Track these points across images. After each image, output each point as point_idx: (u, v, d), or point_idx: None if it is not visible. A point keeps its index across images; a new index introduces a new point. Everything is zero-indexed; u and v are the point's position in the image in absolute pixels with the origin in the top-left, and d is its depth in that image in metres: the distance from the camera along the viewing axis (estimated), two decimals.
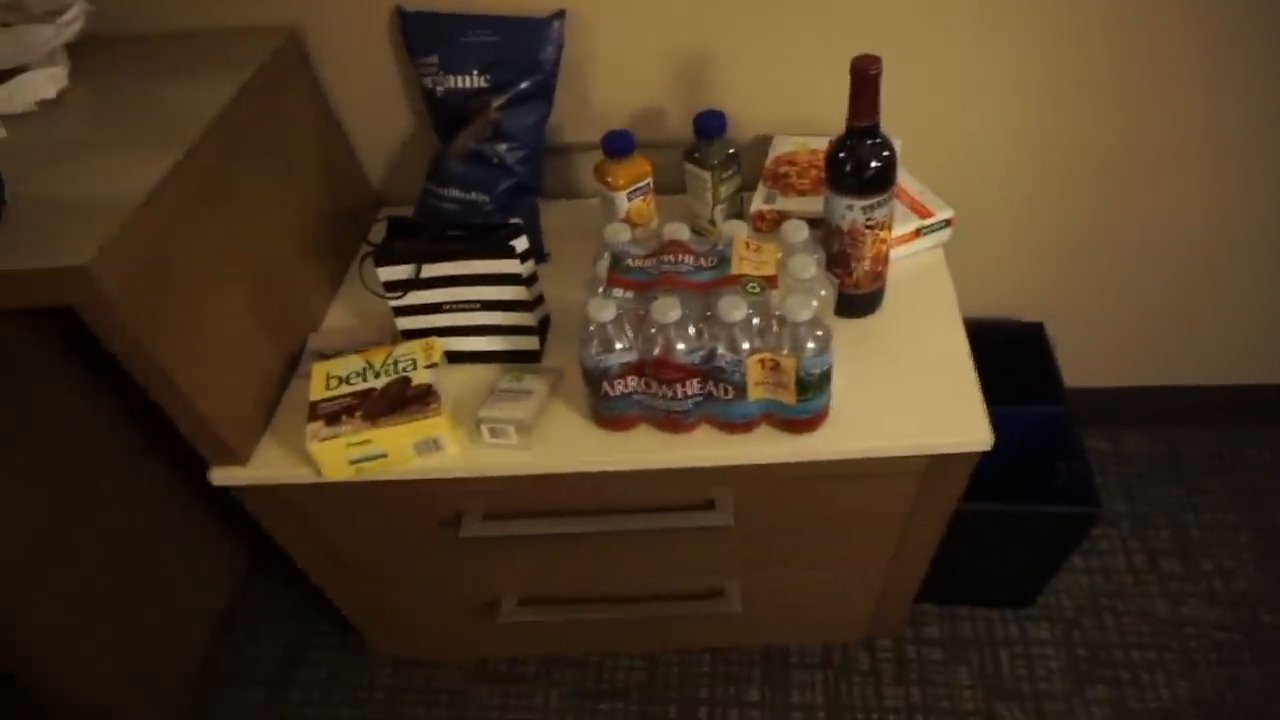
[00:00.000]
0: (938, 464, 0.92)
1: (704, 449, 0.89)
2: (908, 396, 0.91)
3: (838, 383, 0.87)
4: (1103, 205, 1.23)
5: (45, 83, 0.93)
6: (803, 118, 1.13)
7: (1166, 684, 1.27)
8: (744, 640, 1.35)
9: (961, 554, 1.14)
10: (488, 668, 1.38)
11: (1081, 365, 1.45)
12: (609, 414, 0.90)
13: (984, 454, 0.89)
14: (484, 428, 0.91)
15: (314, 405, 0.91)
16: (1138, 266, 1.32)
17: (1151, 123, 1.14)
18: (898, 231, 1.00)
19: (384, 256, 0.94)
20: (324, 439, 0.88)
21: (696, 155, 1.03)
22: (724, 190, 1.05)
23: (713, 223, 1.07)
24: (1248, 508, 1.46)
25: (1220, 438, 1.56)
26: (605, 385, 0.86)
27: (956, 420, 0.89)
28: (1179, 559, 1.41)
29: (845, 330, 0.96)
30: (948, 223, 1.05)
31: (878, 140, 0.85)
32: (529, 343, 1.00)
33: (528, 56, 1.04)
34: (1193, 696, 1.26)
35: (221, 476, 0.94)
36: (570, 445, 0.91)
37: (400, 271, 0.95)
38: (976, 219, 1.22)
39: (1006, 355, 1.26)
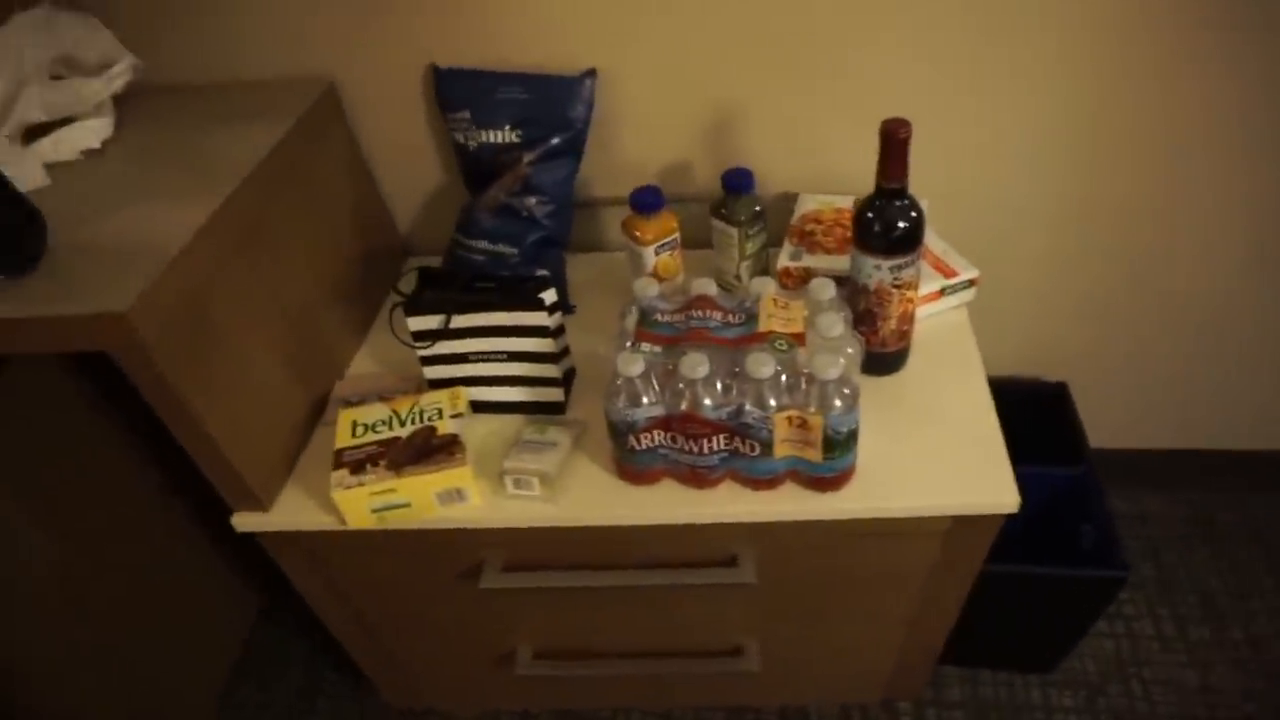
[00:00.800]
0: (962, 525, 0.91)
1: (728, 505, 0.89)
2: (933, 456, 0.91)
3: (863, 441, 0.87)
4: (1127, 266, 1.24)
5: (91, 133, 0.96)
6: (828, 176, 1.15)
7: None
8: (761, 699, 1.32)
9: (985, 615, 1.12)
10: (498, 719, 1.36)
11: (1104, 426, 1.43)
12: (634, 467, 0.90)
13: (1009, 515, 0.89)
14: (508, 479, 0.91)
15: (339, 453, 0.92)
16: (1162, 328, 1.32)
17: (1177, 186, 1.14)
18: (922, 291, 1.00)
19: (414, 306, 0.95)
20: (348, 487, 0.88)
21: (724, 211, 1.04)
22: (750, 246, 1.06)
23: (739, 278, 1.08)
24: (1276, 573, 1.43)
25: (1245, 503, 1.54)
26: (631, 439, 0.86)
27: (982, 481, 0.88)
28: (1207, 625, 1.38)
29: (871, 389, 0.95)
30: (971, 282, 1.06)
31: (906, 201, 0.86)
32: (554, 394, 1.00)
33: (558, 113, 1.06)
34: None
35: (244, 523, 0.94)
36: (594, 498, 0.91)
37: (429, 321, 0.96)
38: (1000, 278, 1.23)
39: (1029, 414, 1.25)
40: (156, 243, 0.81)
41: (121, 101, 1.00)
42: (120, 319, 0.74)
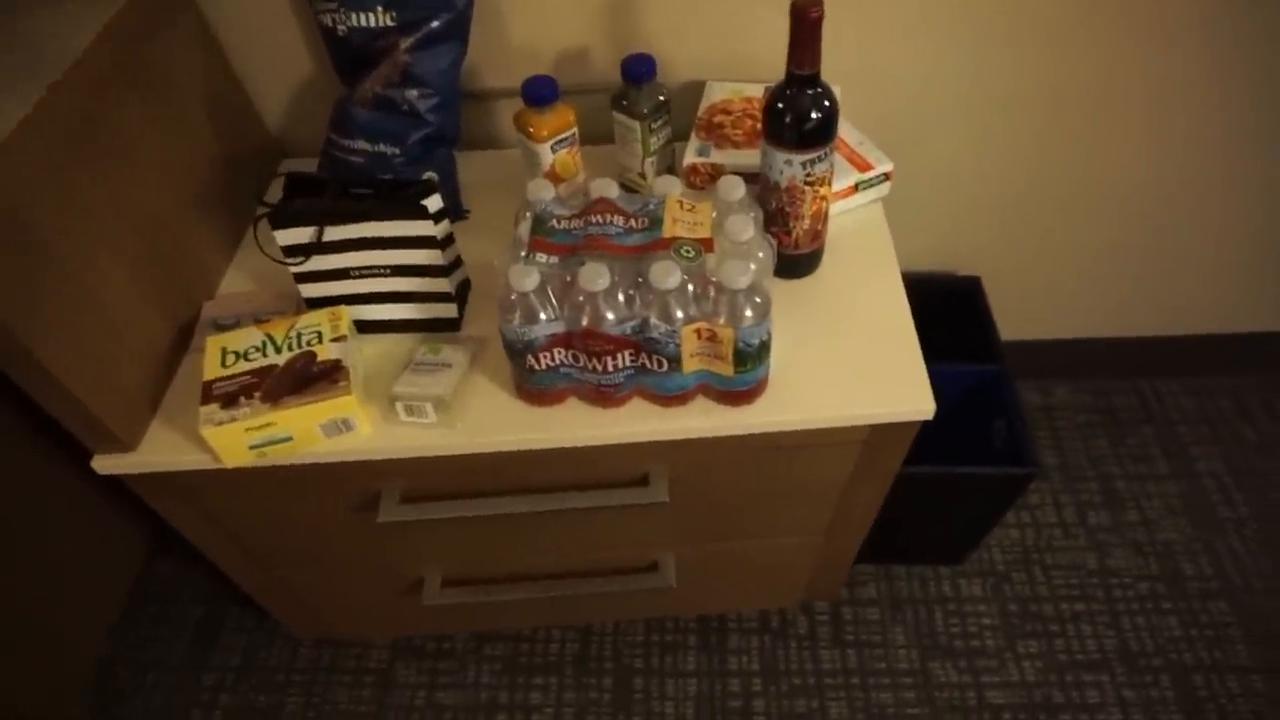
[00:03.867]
0: (878, 433, 0.88)
1: (637, 424, 0.83)
2: (848, 364, 0.87)
3: (775, 349, 0.83)
4: (1041, 156, 1.21)
5: None
6: (737, 61, 1.07)
7: (1094, 635, 1.29)
8: (680, 610, 1.32)
9: (899, 515, 1.12)
10: (414, 645, 1.33)
11: (1014, 317, 1.44)
12: (535, 388, 0.84)
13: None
14: (399, 405, 0.84)
15: (208, 385, 0.82)
16: (1073, 219, 1.30)
17: (1095, 72, 1.10)
18: (835, 186, 0.94)
19: (281, 218, 0.85)
20: (220, 423, 0.80)
21: (625, 103, 0.96)
22: (655, 141, 0.98)
23: (643, 176, 1.00)
24: (1172, 458, 1.48)
25: (1148, 389, 1.58)
26: (530, 358, 0.79)
27: (899, 388, 0.85)
28: (1106, 511, 1.43)
29: (782, 292, 0.91)
30: (886, 176, 1.00)
31: (819, 90, 0.79)
32: (446, 310, 0.92)
33: None
34: (1118, 646, 1.28)
35: (106, 465, 0.85)
36: (493, 422, 0.85)
37: (301, 234, 0.85)
38: (913, 169, 1.19)
39: (942, 309, 1.24)
40: None
41: None
42: None
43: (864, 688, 1.25)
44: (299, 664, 1.32)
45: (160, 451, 0.86)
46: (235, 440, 0.82)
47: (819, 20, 0.74)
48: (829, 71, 0.80)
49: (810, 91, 0.79)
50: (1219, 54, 1.08)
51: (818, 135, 0.81)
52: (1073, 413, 1.56)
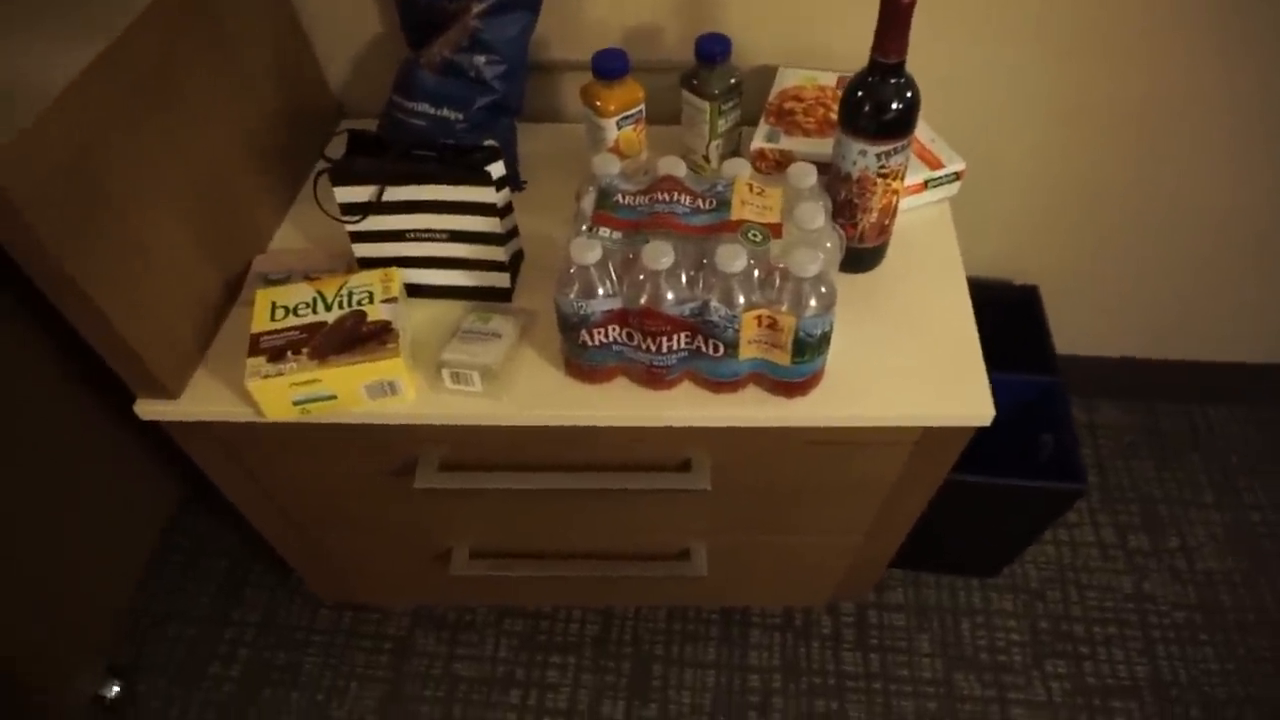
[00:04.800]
0: (931, 436, 0.86)
1: (685, 408, 0.82)
2: (906, 362, 0.85)
3: (833, 344, 0.80)
4: (1108, 171, 1.17)
5: None
6: (811, 49, 1.04)
7: (1125, 660, 1.27)
8: (704, 600, 1.30)
9: (938, 522, 1.10)
10: (435, 615, 1.32)
11: (1066, 331, 1.41)
12: (584, 364, 0.82)
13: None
14: (445, 372, 0.83)
15: (256, 338, 0.82)
16: (1136, 237, 1.27)
17: (1174, 87, 1.07)
18: (906, 182, 0.92)
19: (342, 175, 0.84)
20: (266, 377, 0.79)
21: (695, 83, 0.93)
22: (723, 124, 0.95)
23: (707, 158, 0.98)
24: (1217, 487, 1.45)
25: (1195, 415, 1.54)
26: (583, 333, 0.78)
27: (957, 391, 0.83)
28: (1146, 535, 1.39)
29: (844, 286, 0.88)
30: (957, 175, 0.98)
31: (902, 80, 0.76)
32: (499, 279, 0.91)
33: None
34: (1149, 674, 1.25)
35: (148, 411, 0.85)
36: (539, 395, 0.83)
37: (360, 193, 0.84)
38: (980, 175, 1.16)
39: (997, 317, 1.21)
40: (32, 86, 0.67)
41: None
42: None
43: (885, 693, 1.23)
44: (319, 625, 1.32)
45: (203, 401, 0.85)
46: (280, 395, 0.81)
47: (911, 6, 0.71)
48: (910, 65, 0.78)
49: (893, 81, 0.76)
50: None
51: (896, 126, 0.78)
52: (1118, 432, 1.52)
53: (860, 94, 0.78)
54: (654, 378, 0.81)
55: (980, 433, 0.85)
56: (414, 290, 0.91)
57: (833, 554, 1.10)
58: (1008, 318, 1.28)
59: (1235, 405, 1.54)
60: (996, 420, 0.82)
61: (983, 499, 1.13)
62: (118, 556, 1.30)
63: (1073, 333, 1.43)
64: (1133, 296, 1.37)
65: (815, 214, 0.75)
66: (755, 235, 0.74)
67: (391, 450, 0.92)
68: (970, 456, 1.03)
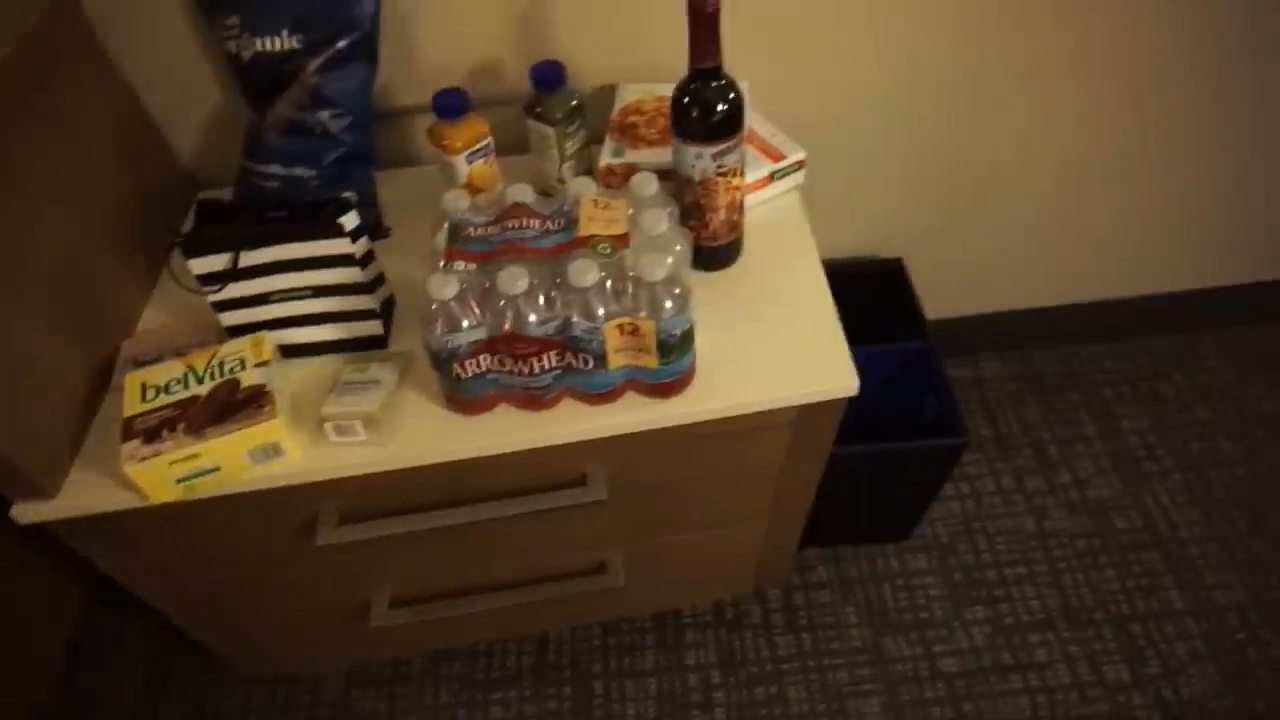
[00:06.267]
0: (807, 413, 0.90)
1: (568, 424, 0.84)
2: (772, 348, 0.89)
3: (701, 339, 0.84)
4: (953, 134, 1.24)
5: None
6: (648, 64, 1.08)
7: (1037, 595, 1.33)
8: (634, 610, 1.32)
9: (839, 496, 1.15)
10: (369, 672, 1.31)
11: (940, 297, 1.48)
12: (464, 397, 0.84)
13: (851, 398, 0.88)
14: (328, 426, 0.83)
15: (128, 422, 0.81)
16: (989, 194, 1.34)
17: (999, 47, 1.14)
18: (750, 178, 0.96)
19: (194, 246, 0.84)
20: (143, 459, 0.78)
21: (538, 110, 0.96)
22: (570, 145, 0.99)
23: (562, 181, 1.01)
24: (1097, 420, 1.54)
25: (1069, 355, 1.64)
26: (456, 367, 0.79)
27: (821, 368, 0.87)
28: (1041, 475, 1.47)
29: (705, 284, 0.93)
30: (800, 164, 1.03)
31: (722, 82, 0.81)
32: (372, 328, 0.91)
33: (343, 11, 0.93)
34: (1060, 604, 1.32)
35: (25, 514, 0.82)
36: (425, 435, 0.85)
37: (216, 262, 0.84)
38: (830, 158, 1.22)
39: (869, 293, 1.27)
40: None
41: None
42: None
43: (820, 669, 1.27)
44: (253, 705, 1.28)
45: (83, 495, 0.83)
46: (160, 475, 0.80)
47: (715, 13, 0.75)
48: (738, 70, 0.82)
49: (714, 84, 0.81)
50: (1120, 27, 1.13)
51: (725, 127, 0.83)
52: (1003, 383, 1.61)
53: (686, 100, 0.82)
54: (533, 400, 0.84)
55: (870, 405, 0.89)
56: (289, 351, 0.91)
57: (741, 541, 1.14)
58: (879, 293, 1.35)
59: (1098, 341, 1.65)
60: (882, 392, 0.86)
61: (876, 467, 1.18)
62: (28, 668, 1.25)
63: (946, 297, 1.50)
64: (996, 253, 1.45)
65: (659, 219, 0.78)
66: (604, 248, 0.77)
67: (287, 512, 0.91)
68: (863, 431, 1.09)
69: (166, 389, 0.83)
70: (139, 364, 0.91)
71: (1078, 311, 1.59)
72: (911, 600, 1.34)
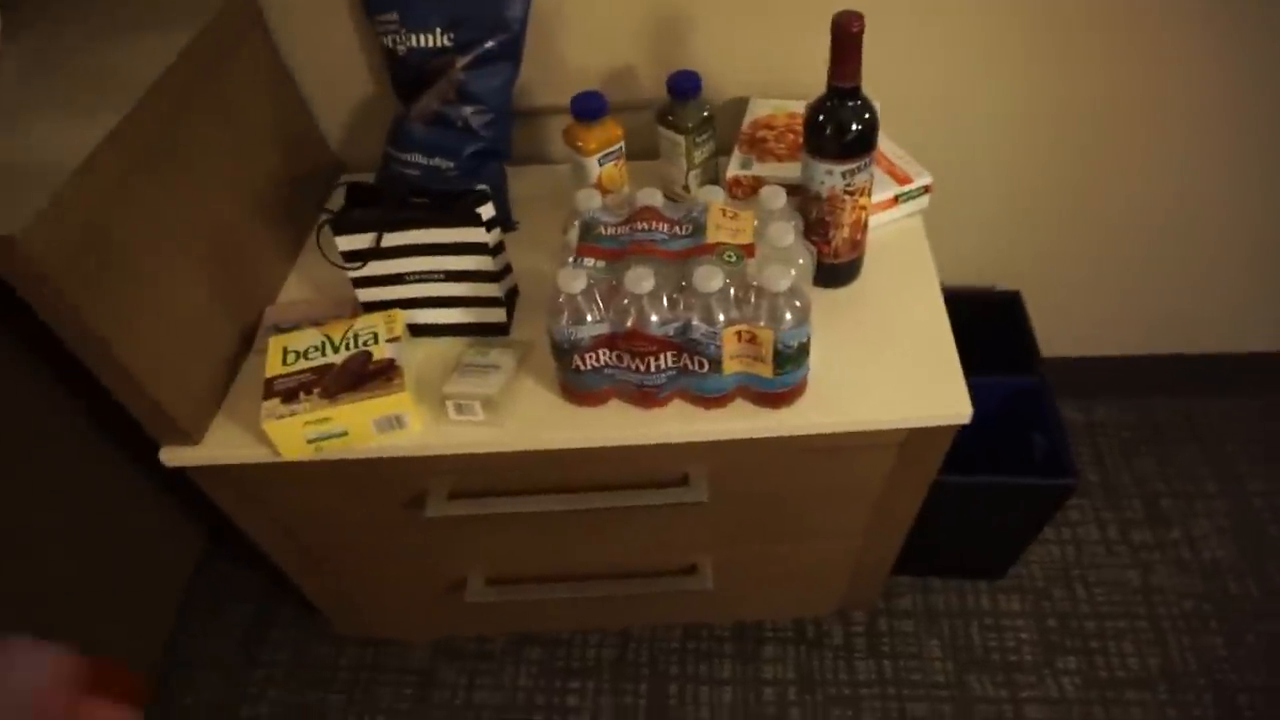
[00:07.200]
0: (916, 437, 0.90)
1: (678, 424, 0.86)
2: (886, 368, 0.89)
3: (815, 354, 0.85)
4: (1083, 172, 1.22)
5: None
6: (780, 80, 1.10)
7: (1135, 653, 1.28)
8: (717, 616, 1.33)
9: (937, 525, 1.13)
10: (455, 645, 1.35)
11: (1056, 334, 1.44)
12: (579, 388, 0.87)
13: (962, 426, 0.88)
14: (449, 404, 0.88)
15: (269, 382, 0.87)
16: (1116, 235, 1.30)
17: (1137, 89, 1.11)
18: (875, 199, 0.97)
19: (342, 225, 0.90)
20: (280, 417, 0.84)
21: (670, 118, 0.99)
22: (699, 155, 1.01)
23: (687, 188, 1.04)
24: (1218, 478, 1.47)
25: (1192, 407, 1.56)
26: (575, 359, 0.82)
27: (935, 393, 0.87)
28: (1149, 529, 1.41)
29: (823, 300, 0.93)
30: (926, 189, 1.03)
31: (859, 102, 0.82)
32: (496, 315, 0.96)
33: (494, 13, 0.99)
34: (1161, 664, 1.26)
35: (172, 457, 0.90)
36: (539, 421, 0.88)
37: (360, 241, 0.90)
38: (955, 185, 1.21)
39: (983, 323, 1.25)
40: (51, 161, 0.74)
41: (9, 8, 0.91)
42: (11, 243, 0.67)
43: (899, 699, 1.25)
44: (344, 662, 1.35)
45: (223, 445, 0.90)
46: (294, 434, 0.86)
47: (860, 33, 0.76)
48: (871, 89, 0.83)
49: (851, 104, 0.82)
50: (1265, 66, 1.09)
51: (857, 146, 0.83)
52: (1116, 430, 1.55)
53: (821, 118, 0.83)
54: (645, 397, 0.86)
55: (974, 437, 0.88)
56: (417, 330, 0.96)
57: (833, 559, 1.14)
58: (993, 325, 1.32)
59: (1227, 396, 1.57)
60: (989, 424, 0.85)
61: (977, 500, 1.16)
62: (147, 606, 1.34)
63: (1063, 335, 1.46)
64: (1117, 294, 1.40)
65: (785, 233, 0.79)
66: (730, 256, 0.79)
67: (402, 482, 0.96)
68: (969, 463, 1.07)
69: (305, 355, 0.89)
70: (280, 330, 0.97)
71: (1204, 363, 1.51)
72: (1000, 641, 1.30)
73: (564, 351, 0.82)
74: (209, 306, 0.93)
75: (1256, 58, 1.08)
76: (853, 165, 0.84)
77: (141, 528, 1.32)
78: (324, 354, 0.89)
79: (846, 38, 0.77)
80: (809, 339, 0.80)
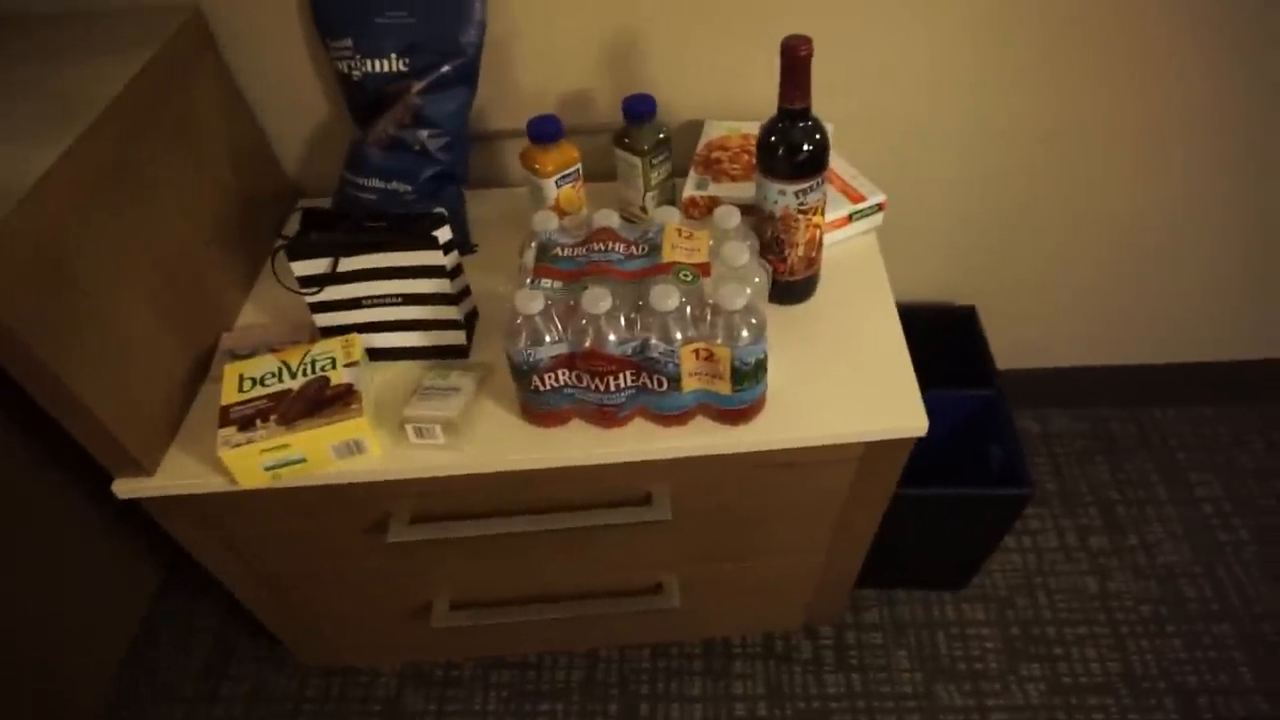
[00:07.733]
0: (874, 450, 0.91)
1: (638, 443, 0.86)
2: (843, 383, 0.90)
3: (773, 371, 0.86)
4: (1033, 189, 1.25)
5: None
6: (735, 102, 1.11)
7: (1098, 658, 1.30)
8: (685, 634, 1.33)
9: (899, 538, 1.14)
10: (422, 672, 1.34)
11: (1012, 347, 1.47)
12: (540, 409, 0.87)
13: (919, 439, 0.89)
14: (409, 427, 0.87)
15: (225, 409, 0.86)
16: (1066, 250, 1.34)
17: (1084, 109, 1.15)
18: (830, 217, 0.98)
19: (298, 250, 0.89)
20: (237, 445, 0.83)
21: (627, 140, 1.00)
22: (655, 176, 1.02)
23: (644, 209, 1.05)
24: (1169, 483, 1.50)
25: (1145, 417, 1.60)
26: (535, 380, 0.83)
27: (892, 406, 0.88)
28: (1106, 535, 1.44)
29: (779, 318, 0.94)
30: (879, 207, 1.05)
31: (809, 123, 0.83)
32: (455, 338, 0.96)
33: (448, 38, 0.99)
34: (1122, 669, 1.28)
35: (125, 489, 0.88)
36: (500, 443, 0.88)
37: (316, 265, 0.90)
38: (910, 203, 1.23)
39: (940, 338, 1.27)
40: None
41: None
42: None
43: (869, 710, 1.26)
44: (308, 693, 1.33)
45: (178, 475, 0.89)
46: (251, 462, 0.85)
47: (808, 57, 0.78)
48: (823, 110, 0.84)
49: (801, 125, 0.83)
50: (1207, 88, 1.13)
51: (809, 166, 0.85)
52: (1071, 440, 1.58)
53: (773, 139, 0.84)
54: (606, 416, 0.86)
55: (933, 450, 0.90)
56: (376, 354, 0.96)
57: (797, 574, 1.14)
58: (950, 339, 1.35)
59: (1175, 405, 1.61)
60: (948, 436, 0.87)
61: (937, 511, 1.17)
62: (100, 640, 1.31)
63: (1017, 348, 1.49)
64: (1070, 307, 1.44)
65: (740, 251, 0.80)
66: (686, 275, 0.80)
67: (363, 507, 0.95)
68: (926, 475, 1.09)
69: (262, 381, 0.88)
70: (236, 356, 0.97)
71: (1154, 373, 1.55)
72: (966, 650, 1.32)
73: (523, 373, 0.82)
74: (163, 334, 0.91)
75: (1196, 78, 1.11)
76: (805, 185, 0.86)
77: (95, 559, 1.29)
78: (281, 380, 0.88)
79: (795, 61, 0.78)
80: (766, 355, 0.81)
